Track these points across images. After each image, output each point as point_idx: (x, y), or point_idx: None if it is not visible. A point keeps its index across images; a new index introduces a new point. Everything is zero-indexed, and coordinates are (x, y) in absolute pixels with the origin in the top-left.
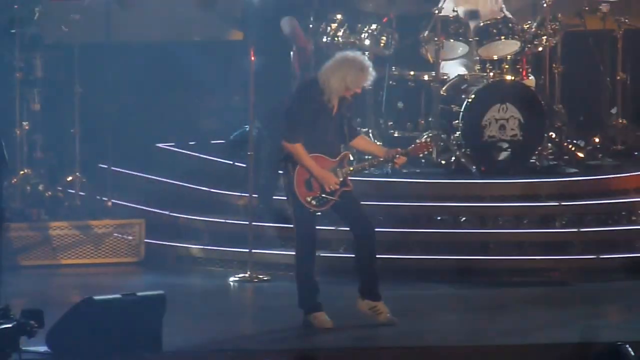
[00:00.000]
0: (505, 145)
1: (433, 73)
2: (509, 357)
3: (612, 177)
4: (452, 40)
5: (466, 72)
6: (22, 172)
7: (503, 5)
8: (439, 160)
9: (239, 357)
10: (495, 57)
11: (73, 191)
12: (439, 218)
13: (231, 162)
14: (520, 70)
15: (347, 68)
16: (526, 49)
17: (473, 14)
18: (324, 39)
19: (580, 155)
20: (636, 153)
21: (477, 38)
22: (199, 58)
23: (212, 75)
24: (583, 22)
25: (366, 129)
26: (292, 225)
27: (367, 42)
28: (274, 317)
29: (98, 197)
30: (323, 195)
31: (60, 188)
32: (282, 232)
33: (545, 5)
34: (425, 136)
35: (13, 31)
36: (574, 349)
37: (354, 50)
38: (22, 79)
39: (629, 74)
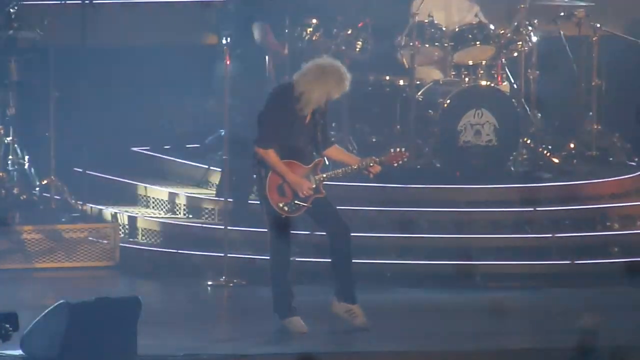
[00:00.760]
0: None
1: (409, 78)
2: None
3: (587, 183)
4: (427, 46)
5: (442, 77)
6: None
7: (479, 11)
8: (415, 165)
9: None
10: (470, 63)
11: (48, 195)
12: (414, 223)
13: (206, 167)
14: (496, 75)
15: (326, 79)
16: (501, 54)
17: (448, 19)
18: (299, 44)
19: (556, 160)
20: (611, 159)
21: (452, 43)
22: (175, 62)
23: (187, 79)
24: (558, 27)
25: (342, 134)
26: (266, 230)
27: (342, 47)
28: (249, 322)
29: (73, 201)
30: (295, 202)
31: (35, 192)
32: (257, 237)
33: (520, 10)
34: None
35: None
36: (549, 354)
37: (329, 55)
38: None
39: (604, 80)
